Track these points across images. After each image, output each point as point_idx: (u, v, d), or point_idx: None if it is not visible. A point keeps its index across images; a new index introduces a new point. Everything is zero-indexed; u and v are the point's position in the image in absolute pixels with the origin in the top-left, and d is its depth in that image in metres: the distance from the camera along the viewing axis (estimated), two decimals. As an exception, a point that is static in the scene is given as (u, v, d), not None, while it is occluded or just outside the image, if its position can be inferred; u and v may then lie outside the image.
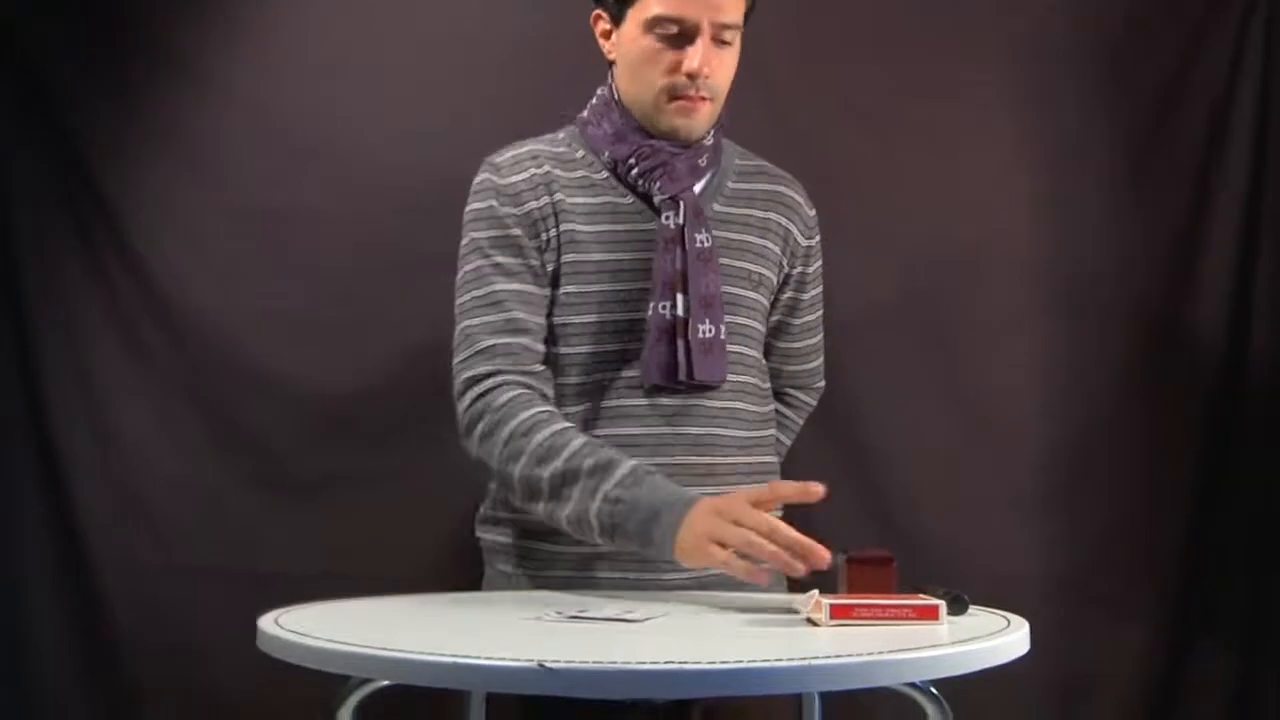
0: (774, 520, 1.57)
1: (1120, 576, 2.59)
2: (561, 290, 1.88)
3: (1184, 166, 2.65)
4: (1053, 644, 2.27)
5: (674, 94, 1.86)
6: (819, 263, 2.08)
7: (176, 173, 2.58)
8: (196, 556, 2.53)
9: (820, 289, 2.10)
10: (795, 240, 2.02)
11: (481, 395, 1.82)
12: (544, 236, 1.87)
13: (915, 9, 2.65)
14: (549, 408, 1.81)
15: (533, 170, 1.89)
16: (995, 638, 1.37)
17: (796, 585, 1.56)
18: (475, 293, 1.87)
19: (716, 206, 1.94)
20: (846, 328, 2.36)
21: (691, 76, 1.84)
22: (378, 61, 2.61)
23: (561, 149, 1.93)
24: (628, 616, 1.52)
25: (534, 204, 1.87)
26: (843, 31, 2.63)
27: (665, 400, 1.87)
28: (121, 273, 2.57)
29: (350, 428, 2.56)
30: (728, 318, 1.90)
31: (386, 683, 1.39)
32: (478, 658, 1.20)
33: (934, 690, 1.40)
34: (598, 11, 1.92)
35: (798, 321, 2.08)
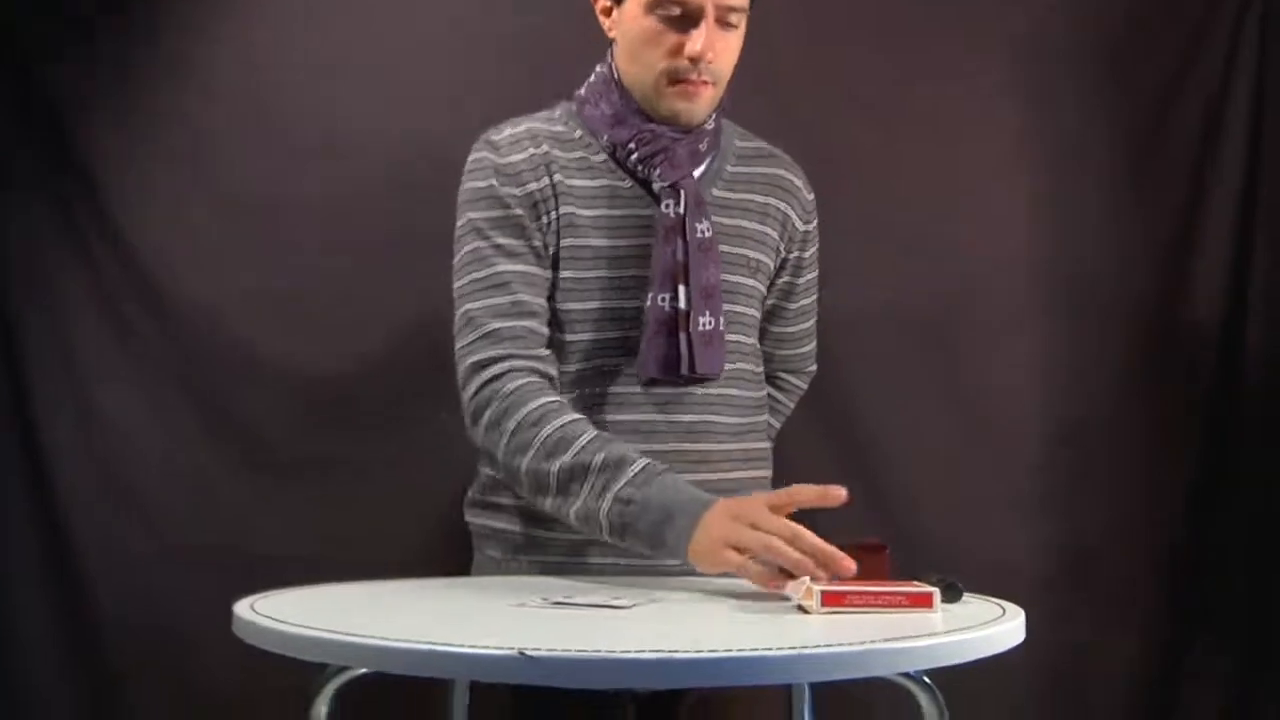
0: (796, 526, 1.49)
1: (1119, 576, 2.53)
2: (560, 275, 1.80)
3: (1181, 164, 2.60)
4: (1051, 642, 2.21)
5: (675, 77, 1.78)
6: (815, 247, 2.01)
7: (163, 156, 2.51)
8: (184, 542, 2.47)
9: (816, 273, 2.03)
10: (793, 225, 1.95)
11: (488, 382, 1.74)
12: (544, 219, 1.80)
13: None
14: (558, 397, 1.73)
15: (531, 150, 1.81)
16: (990, 626, 1.31)
17: (785, 572, 1.48)
18: (477, 274, 1.79)
19: (716, 191, 1.87)
20: (845, 324, 2.32)
21: (694, 60, 1.76)
22: (369, 45, 2.54)
23: (559, 128, 1.85)
24: (614, 603, 1.45)
25: (535, 185, 1.80)
26: (848, 19, 2.57)
27: (658, 388, 1.81)
28: (108, 257, 2.50)
29: (340, 412, 2.50)
30: (725, 306, 1.83)
31: (364, 670, 1.32)
32: (456, 645, 1.14)
33: (927, 680, 1.33)
34: None
35: (792, 306, 2.02)
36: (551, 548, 1.80)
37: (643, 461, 1.63)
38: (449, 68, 2.52)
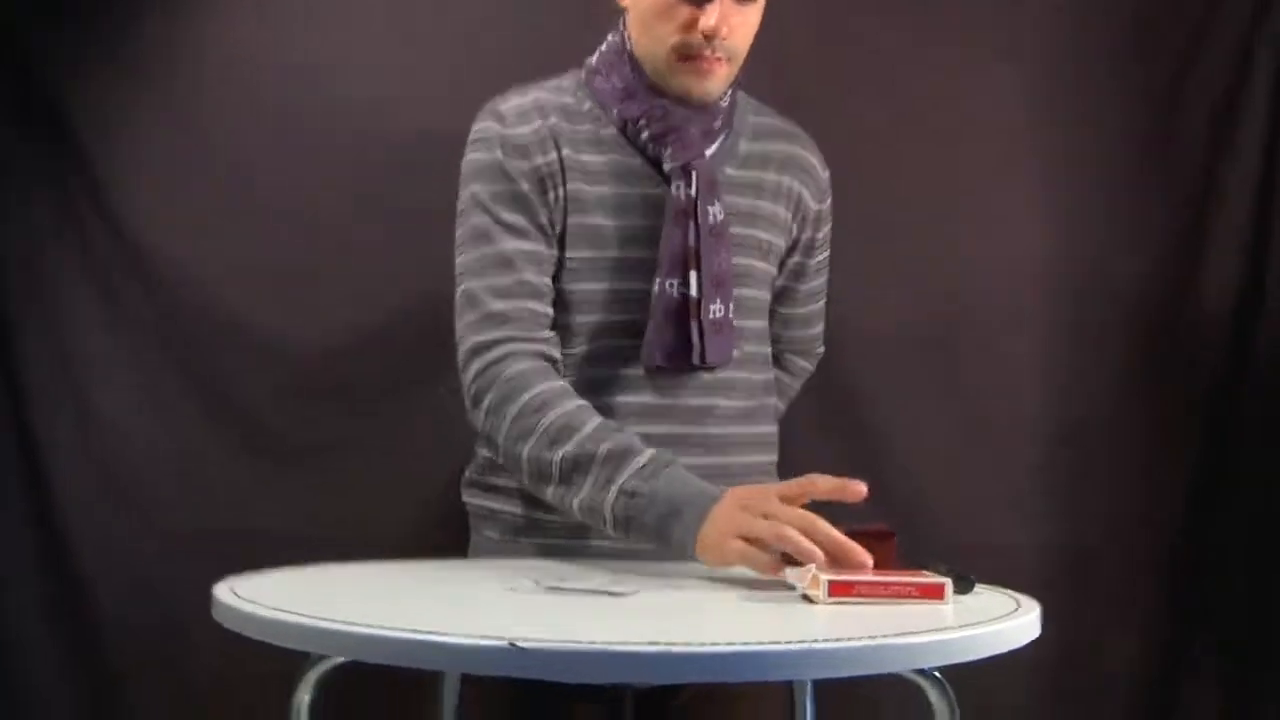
0: (811, 515, 1.41)
1: (1119, 576, 2.45)
2: (566, 256, 1.71)
3: (1190, 163, 2.49)
4: (1051, 642, 2.12)
5: (687, 53, 1.67)
6: (828, 226, 1.92)
7: (155, 122, 2.40)
8: (179, 526, 2.37)
9: (827, 254, 1.94)
10: (806, 205, 1.85)
11: (488, 366, 1.65)
12: (551, 195, 1.70)
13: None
14: (561, 382, 1.64)
15: (539, 122, 1.71)
16: (1006, 620, 1.22)
17: (786, 558, 1.40)
18: (480, 251, 1.70)
19: (729, 170, 1.77)
20: (847, 320, 2.23)
21: (708, 36, 1.65)
22: (366, 8, 2.44)
23: (567, 99, 1.75)
24: (611, 589, 1.37)
25: (542, 159, 1.70)
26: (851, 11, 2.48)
27: (662, 371, 1.72)
28: (97, 228, 2.40)
29: (338, 393, 2.40)
30: (736, 290, 1.74)
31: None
32: (442, 635, 1.05)
33: (938, 675, 1.24)
34: None
35: (803, 287, 1.92)
36: (550, 530, 1.71)
37: (649, 453, 1.54)
38: (449, 36, 2.41)
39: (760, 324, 1.83)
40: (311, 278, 2.39)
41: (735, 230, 1.75)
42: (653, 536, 1.51)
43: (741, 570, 1.45)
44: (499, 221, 1.69)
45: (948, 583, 1.32)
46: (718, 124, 1.75)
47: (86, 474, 2.38)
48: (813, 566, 1.34)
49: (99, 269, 2.39)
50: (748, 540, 1.42)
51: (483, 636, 1.03)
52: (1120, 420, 2.47)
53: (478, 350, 1.66)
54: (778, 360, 1.94)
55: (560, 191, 1.70)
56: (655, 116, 1.71)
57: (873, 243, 2.37)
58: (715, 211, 1.71)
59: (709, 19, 1.64)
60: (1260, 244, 2.46)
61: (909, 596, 1.31)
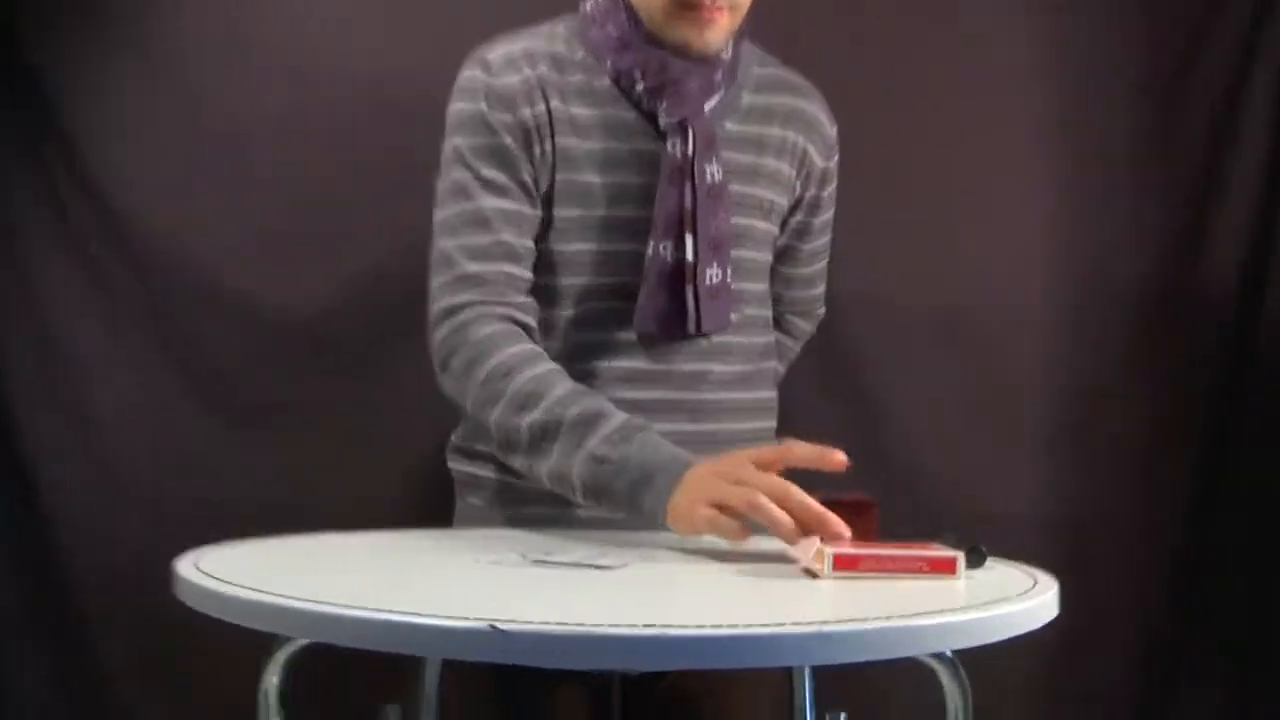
0: (785, 483, 1.30)
1: (1118, 575, 2.33)
2: (556, 214, 1.58)
3: (1195, 157, 2.37)
4: (1049, 642, 2.01)
5: (686, 2, 1.53)
6: (834, 184, 1.78)
7: (132, 78, 2.26)
8: (149, 488, 2.24)
9: (832, 212, 1.80)
10: (812, 161, 1.72)
11: (458, 328, 1.53)
12: (537, 150, 1.57)
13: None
14: (533, 346, 1.52)
15: (527, 72, 1.57)
16: (1024, 599, 1.11)
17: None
18: (458, 208, 1.57)
19: (729, 125, 1.63)
20: (851, 288, 2.11)
21: None
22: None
23: (559, 48, 1.61)
24: (599, 562, 1.25)
25: (528, 111, 1.56)
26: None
27: (655, 335, 1.60)
28: (71, 185, 2.25)
29: (317, 351, 2.26)
30: (734, 251, 1.61)
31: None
32: (416, 615, 0.93)
33: (950, 654, 1.13)
34: None
35: (806, 247, 1.79)
36: (536, 497, 1.57)
37: (620, 418, 1.42)
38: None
39: (760, 286, 1.70)
40: (291, 237, 2.25)
41: (735, 188, 1.62)
42: (623, 504, 1.40)
43: (739, 542, 1.34)
44: (479, 177, 1.56)
45: (960, 557, 1.21)
46: (718, 77, 1.61)
47: (57, 433, 2.25)
48: (816, 540, 1.23)
49: (74, 232, 2.25)
50: (719, 507, 1.31)
51: (461, 618, 0.92)
52: (1121, 419, 2.36)
53: (448, 313, 1.54)
54: (778, 322, 1.81)
55: (548, 146, 1.57)
56: (651, 69, 1.57)
57: (878, 211, 2.23)
58: (713, 171, 1.58)
59: None
60: (1262, 243, 2.35)
61: (919, 571, 1.20)
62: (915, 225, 2.31)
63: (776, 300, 1.78)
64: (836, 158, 1.76)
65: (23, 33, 2.24)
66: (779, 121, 1.67)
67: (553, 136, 1.57)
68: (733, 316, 1.63)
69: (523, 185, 1.57)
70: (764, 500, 1.28)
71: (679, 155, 1.56)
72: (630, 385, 1.59)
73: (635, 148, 1.59)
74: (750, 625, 0.92)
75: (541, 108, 1.57)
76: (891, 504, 2.30)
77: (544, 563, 1.26)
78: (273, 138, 2.25)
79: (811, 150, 1.71)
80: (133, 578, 2.16)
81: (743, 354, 1.66)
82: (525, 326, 1.55)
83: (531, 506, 1.59)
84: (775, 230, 1.70)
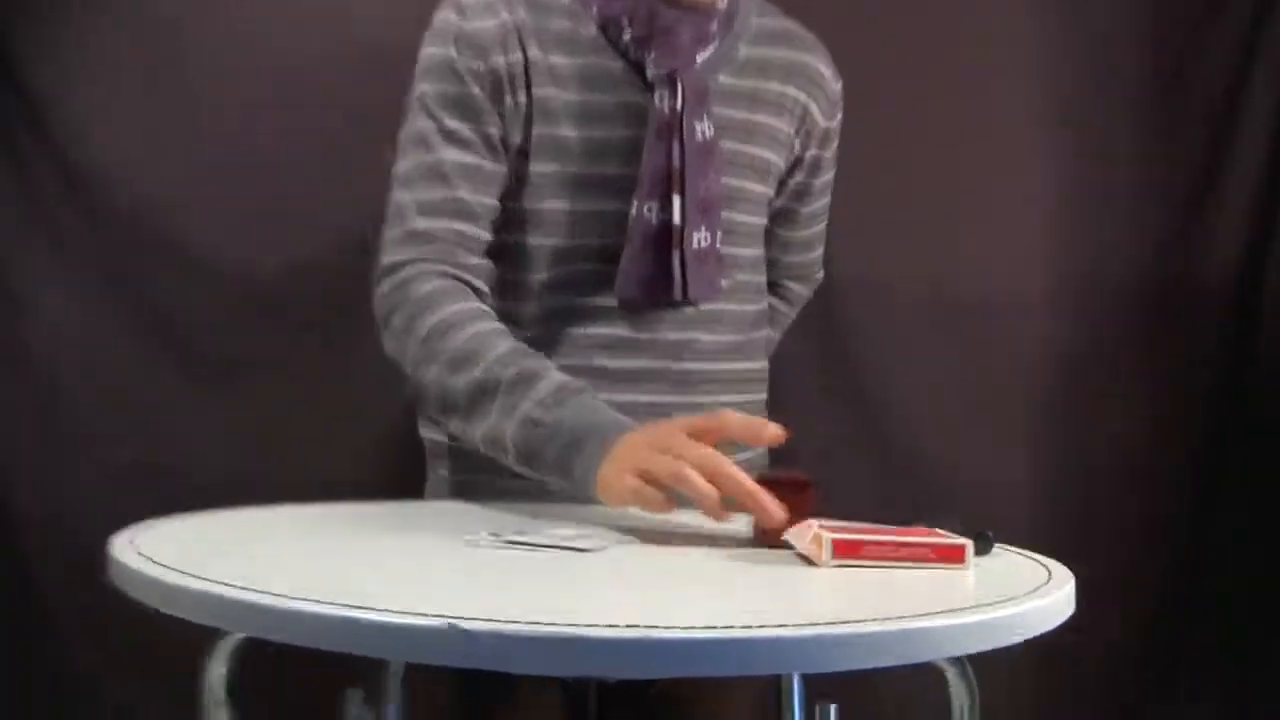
0: (720, 457, 1.17)
1: (1119, 575, 2.21)
2: (531, 169, 1.45)
3: (1196, 146, 2.27)
4: (1048, 643, 1.91)
5: None
6: (836, 143, 1.64)
7: (93, 33, 2.10)
8: (104, 453, 2.10)
9: (833, 172, 1.67)
10: (813, 120, 1.58)
11: (399, 285, 1.40)
12: (509, 101, 1.43)
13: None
14: (477, 304, 1.39)
15: (504, 16, 1.43)
16: (1039, 595, 0.98)
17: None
18: (416, 159, 1.44)
19: (723, 78, 1.49)
20: (850, 271, 2.01)
21: None
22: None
23: None
24: (577, 544, 1.13)
25: (501, 59, 1.42)
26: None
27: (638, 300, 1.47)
28: (30, 141, 2.10)
29: (288, 312, 2.12)
30: (725, 214, 1.48)
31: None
32: (365, 610, 0.80)
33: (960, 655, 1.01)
34: None
35: (805, 209, 1.66)
36: (509, 468, 1.42)
37: (558, 379, 1.30)
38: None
39: (752, 251, 1.57)
40: (257, 195, 2.10)
41: (728, 146, 1.48)
42: (554, 471, 1.28)
43: (725, 524, 1.21)
44: (441, 129, 1.43)
45: (969, 545, 1.09)
46: (713, 27, 1.47)
47: (10, 395, 2.11)
48: (814, 523, 1.10)
49: (33, 189, 2.10)
50: (645, 477, 1.19)
51: (418, 614, 0.79)
52: (1121, 418, 2.26)
53: (390, 269, 1.42)
54: (773, 287, 1.68)
55: (522, 97, 1.43)
56: (640, 16, 1.43)
57: (878, 203, 2.11)
58: (703, 128, 1.44)
59: None
60: (1260, 242, 2.25)
61: (925, 560, 1.08)
62: (915, 217, 2.19)
63: (772, 264, 1.65)
64: (840, 116, 1.62)
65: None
66: (778, 76, 1.54)
67: (529, 87, 1.43)
68: (722, 283, 1.50)
69: (487, 139, 1.43)
70: (690, 472, 1.15)
71: (667, 110, 1.43)
72: (610, 353, 1.47)
73: (620, 100, 1.45)
74: (747, 628, 0.79)
75: (517, 55, 1.43)
76: (889, 491, 2.25)
77: (517, 543, 1.13)
78: (238, 93, 2.11)
79: (814, 108, 1.57)
80: (84, 545, 2.03)
81: (732, 322, 1.54)
82: (473, 287, 1.41)
83: (504, 479, 1.43)
84: (770, 192, 1.57)
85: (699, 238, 1.45)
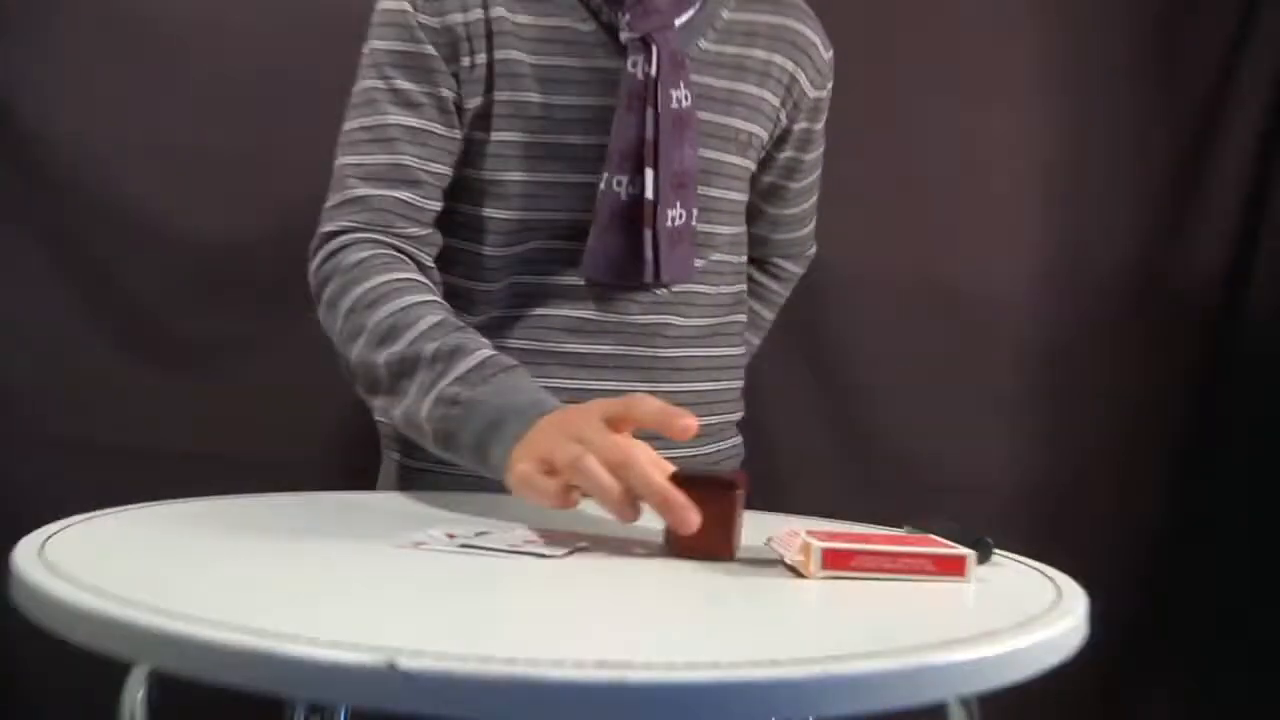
0: (630, 447, 0.98)
1: (1094, 559, 2.09)
2: (492, 136, 1.30)
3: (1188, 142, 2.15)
4: None
5: None
6: (825, 115, 1.50)
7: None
8: (56, 432, 1.95)
9: (823, 146, 1.53)
10: (801, 91, 1.43)
11: (331, 254, 1.26)
12: (467, 61, 1.28)
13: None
14: (412, 275, 1.24)
15: None
16: (1052, 619, 0.85)
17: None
18: (362, 122, 1.29)
19: (703, 44, 1.35)
20: (833, 255, 1.83)
21: None
22: None
23: None
24: (540, 551, 0.98)
25: (460, 17, 1.27)
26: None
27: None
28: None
29: (243, 282, 1.96)
30: (701, 189, 1.33)
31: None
32: (290, 641, 0.66)
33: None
34: None
35: (795, 185, 1.52)
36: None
37: (483, 354, 1.14)
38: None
39: (731, 230, 1.42)
40: (217, 159, 1.94)
41: (705, 117, 1.34)
42: (472, 457, 1.12)
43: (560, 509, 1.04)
44: (390, 88, 1.28)
45: (971, 557, 0.96)
46: None
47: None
48: (802, 530, 0.97)
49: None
50: (545, 466, 1.02)
51: (352, 646, 0.65)
52: (1104, 406, 2.15)
53: (325, 238, 1.27)
54: (764, 265, 1.55)
55: (482, 58, 1.28)
56: None
57: (864, 190, 2.00)
58: (680, 96, 1.30)
59: None
60: (1248, 235, 2.13)
61: (923, 572, 0.94)
62: (899, 210, 2.07)
63: (762, 242, 1.52)
64: (831, 85, 1.48)
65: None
66: (763, 42, 1.39)
67: (490, 49, 1.28)
68: (697, 263, 1.36)
69: (439, 101, 1.28)
70: (591, 464, 0.98)
71: (641, 76, 1.28)
72: (575, 336, 1.33)
73: (590, 64, 1.30)
74: (736, 667, 0.65)
75: (478, 13, 1.28)
76: (872, 484, 2.12)
77: (473, 547, 0.99)
78: (199, 43, 1.94)
79: (802, 77, 1.43)
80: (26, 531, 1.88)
81: (708, 305, 1.40)
82: (410, 257, 1.27)
83: (461, 469, 1.30)
84: (751, 166, 1.42)
85: (673, 215, 1.30)
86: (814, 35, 1.43)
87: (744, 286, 1.47)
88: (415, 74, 1.28)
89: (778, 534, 1.00)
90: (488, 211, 1.32)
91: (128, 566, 0.87)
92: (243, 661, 0.65)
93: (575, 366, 1.33)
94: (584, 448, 0.99)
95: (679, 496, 0.95)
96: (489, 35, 1.28)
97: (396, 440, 1.41)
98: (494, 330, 1.32)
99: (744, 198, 1.43)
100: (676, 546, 0.99)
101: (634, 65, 1.28)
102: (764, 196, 1.49)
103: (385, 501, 1.24)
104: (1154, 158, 2.12)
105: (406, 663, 0.63)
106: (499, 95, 1.29)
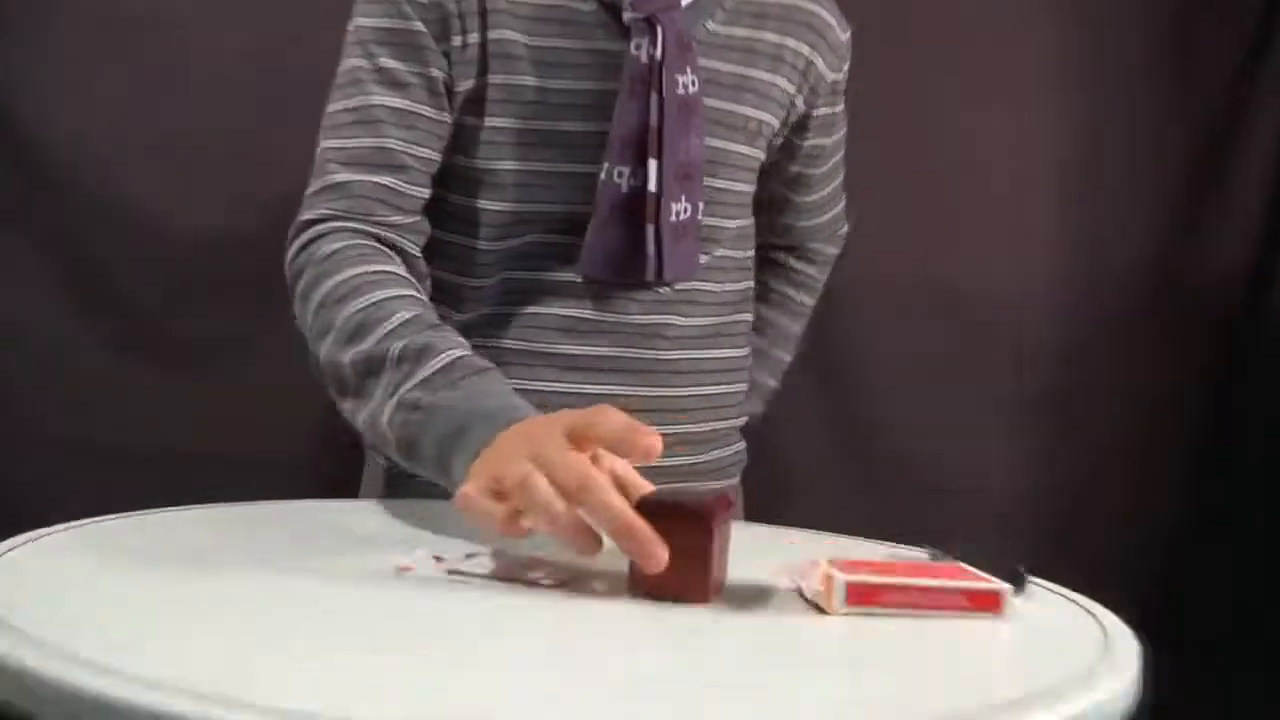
0: (591, 471, 0.83)
1: (1108, 561, 1.99)
2: (485, 122, 1.18)
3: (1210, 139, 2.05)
4: None
5: None
6: (844, 96, 1.38)
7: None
8: (45, 432, 1.86)
9: (845, 128, 1.41)
10: (819, 74, 1.31)
11: (306, 245, 1.13)
12: (458, 40, 1.16)
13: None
14: (388, 268, 1.11)
15: None
16: (1105, 674, 0.73)
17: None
18: (345, 102, 1.17)
19: (711, 25, 1.23)
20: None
21: None
22: None
23: None
24: (537, 577, 0.87)
25: None
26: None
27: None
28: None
29: (240, 281, 1.85)
30: (706, 180, 1.21)
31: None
32: (224, 707, 0.54)
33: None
34: None
35: (820, 171, 1.40)
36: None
37: (453, 355, 1.01)
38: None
39: (737, 223, 1.30)
40: (214, 151, 1.84)
41: (712, 104, 1.22)
42: (435, 470, 0.98)
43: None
44: (377, 67, 1.16)
45: (1007, 591, 0.84)
46: None
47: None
48: (823, 561, 0.85)
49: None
50: (495, 486, 0.87)
51: (303, 715, 0.53)
52: (1119, 405, 2.05)
53: (301, 228, 1.15)
54: (796, 251, 1.45)
55: (475, 38, 1.16)
56: None
57: (876, 185, 1.87)
58: (686, 81, 1.18)
59: None
60: (1270, 234, 2.04)
61: (957, 609, 0.83)
62: (912, 210, 1.97)
63: (788, 230, 1.42)
64: (848, 66, 1.36)
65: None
66: (774, 25, 1.27)
67: (484, 28, 1.16)
68: (701, 258, 1.24)
69: (429, 82, 1.16)
70: (538, 485, 0.83)
71: (645, 60, 1.16)
72: (569, 338, 1.21)
73: (591, 47, 1.18)
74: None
75: None
76: (880, 487, 2.02)
77: (460, 573, 0.87)
78: (199, 43, 1.85)
79: (819, 62, 1.30)
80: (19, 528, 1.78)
81: (711, 304, 1.28)
82: (398, 249, 1.14)
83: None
84: (760, 156, 1.30)
85: (677, 209, 1.19)
86: (829, 15, 1.31)
87: (750, 284, 1.36)
88: (403, 52, 1.16)
89: (794, 563, 0.88)
90: (479, 203, 1.21)
91: (74, 597, 0.75)
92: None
93: (568, 369, 1.21)
94: (535, 466, 0.84)
95: (642, 528, 0.80)
96: (482, 13, 1.16)
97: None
98: (483, 329, 1.21)
99: (751, 189, 1.32)
100: (642, 586, 0.82)
101: (638, 48, 1.17)
102: (790, 185, 1.38)
103: (366, 514, 1.12)
104: (1171, 156, 2.03)
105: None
106: (492, 78, 1.17)
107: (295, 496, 1.13)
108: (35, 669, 0.59)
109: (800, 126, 1.33)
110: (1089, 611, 0.88)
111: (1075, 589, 0.94)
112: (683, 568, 0.80)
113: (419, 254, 1.18)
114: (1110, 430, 2.02)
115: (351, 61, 1.17)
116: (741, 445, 1.38)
